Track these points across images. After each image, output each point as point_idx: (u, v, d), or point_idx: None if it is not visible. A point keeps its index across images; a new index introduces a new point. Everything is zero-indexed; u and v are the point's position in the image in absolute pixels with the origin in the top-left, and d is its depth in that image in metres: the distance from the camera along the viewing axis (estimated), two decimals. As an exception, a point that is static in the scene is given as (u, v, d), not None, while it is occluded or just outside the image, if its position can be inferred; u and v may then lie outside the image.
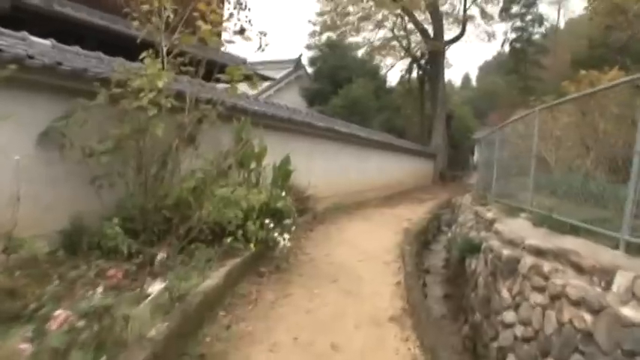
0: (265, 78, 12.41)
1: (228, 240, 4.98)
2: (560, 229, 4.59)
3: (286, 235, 5.53)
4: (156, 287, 3.69)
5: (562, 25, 31.52)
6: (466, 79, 62.42)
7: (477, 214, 7.46)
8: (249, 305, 4.48)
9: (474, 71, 66.46)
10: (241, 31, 5.30)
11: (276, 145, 8.25)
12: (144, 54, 4.70)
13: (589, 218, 4.22)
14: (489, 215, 6.68)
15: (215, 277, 4.30)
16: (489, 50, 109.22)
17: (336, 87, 21.80)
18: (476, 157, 41.61)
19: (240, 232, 5.23)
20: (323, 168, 11.01)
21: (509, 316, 4.19)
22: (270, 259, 5.75)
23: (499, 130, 8.22)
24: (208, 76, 5.61)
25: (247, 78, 5.37)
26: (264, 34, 5.30)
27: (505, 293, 4.40)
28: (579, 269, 3.51)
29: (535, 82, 25.31)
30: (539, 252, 4.18)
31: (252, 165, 7.14)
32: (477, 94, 45.97)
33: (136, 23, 4.86)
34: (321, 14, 27.32)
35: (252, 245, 5.16)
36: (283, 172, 7.41)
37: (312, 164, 10.42)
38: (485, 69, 58.64)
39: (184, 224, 4.81)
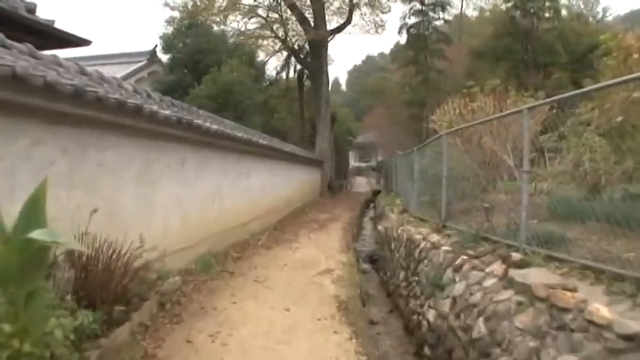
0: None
1: None
2: None
3: None
4: None
5: (468, 12, 29.69)
6: (336, 83, 61.29)
7: (534, 297, 3.27)
8: None
9: (343, 76, 65.67)
10: None
11: (54, 160, 3.10)
12: None
13: None
14: (605, 313, 2.58)
15: None
16: (361, 53, 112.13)
17: (201, 76, 16.51)
18: (352, 163, 39.70)
19: None
20: (175, 198, 5.91)
21: None
22: None
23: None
24: None
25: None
26: None
27: None
28: None
29: (437, 75, 22.88)
30: None
31: None
32: (352, 96, 44.18)
33: None
34: (179, -6, 21.41)
35: None
36: (21, 250, 2.27)
37: (151, 195, 5.31)
38: (355, 73, 58.04)
39: None
